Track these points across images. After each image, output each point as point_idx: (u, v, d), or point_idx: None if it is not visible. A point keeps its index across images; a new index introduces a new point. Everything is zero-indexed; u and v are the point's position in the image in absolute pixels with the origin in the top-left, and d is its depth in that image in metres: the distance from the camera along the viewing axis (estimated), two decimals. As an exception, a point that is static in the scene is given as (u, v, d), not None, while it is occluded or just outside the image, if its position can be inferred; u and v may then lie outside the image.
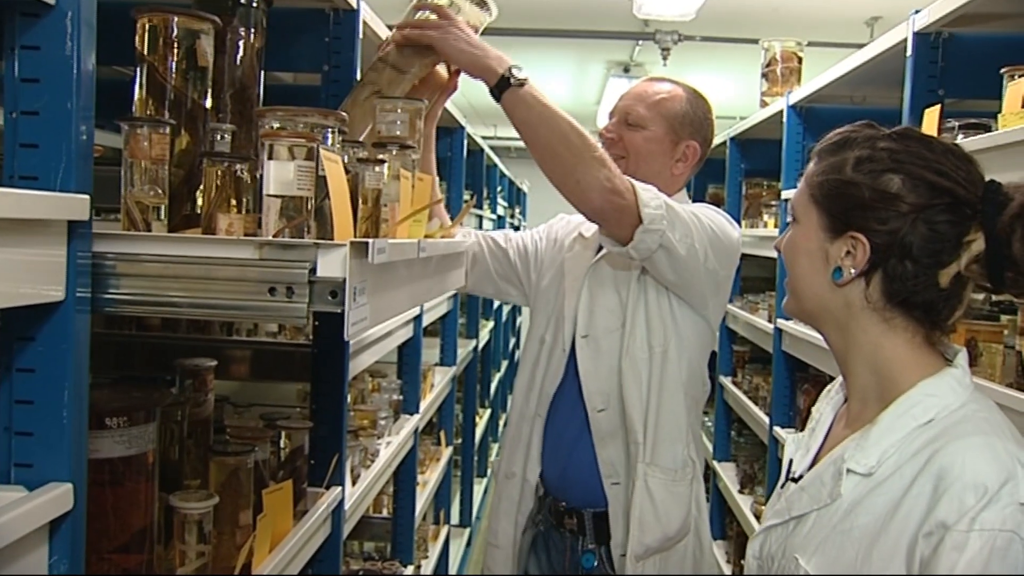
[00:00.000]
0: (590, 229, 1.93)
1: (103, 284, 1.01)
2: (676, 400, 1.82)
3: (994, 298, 1.84)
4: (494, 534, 1.96)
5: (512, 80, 1.60)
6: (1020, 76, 1.62)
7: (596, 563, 1.82)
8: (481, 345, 5.43)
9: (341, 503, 1.85)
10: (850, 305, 1.09)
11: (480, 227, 4.91)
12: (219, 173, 1.14)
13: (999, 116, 1.61)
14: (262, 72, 1.47)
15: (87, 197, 0.92)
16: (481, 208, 4.95)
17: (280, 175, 1.06)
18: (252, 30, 1.43)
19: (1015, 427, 1.03)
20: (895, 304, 1.06)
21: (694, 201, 1.93)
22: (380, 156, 1.37)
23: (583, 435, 1.84)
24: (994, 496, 0.92)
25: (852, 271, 1.07)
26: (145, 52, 1.17)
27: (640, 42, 5.10)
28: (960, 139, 1.73)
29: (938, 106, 1.84)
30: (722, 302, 1.88)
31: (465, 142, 3.95)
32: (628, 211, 1.61)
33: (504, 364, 7.45)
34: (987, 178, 1.05)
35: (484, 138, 5.43)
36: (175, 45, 1.17)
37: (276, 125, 1.15)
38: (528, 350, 1.98)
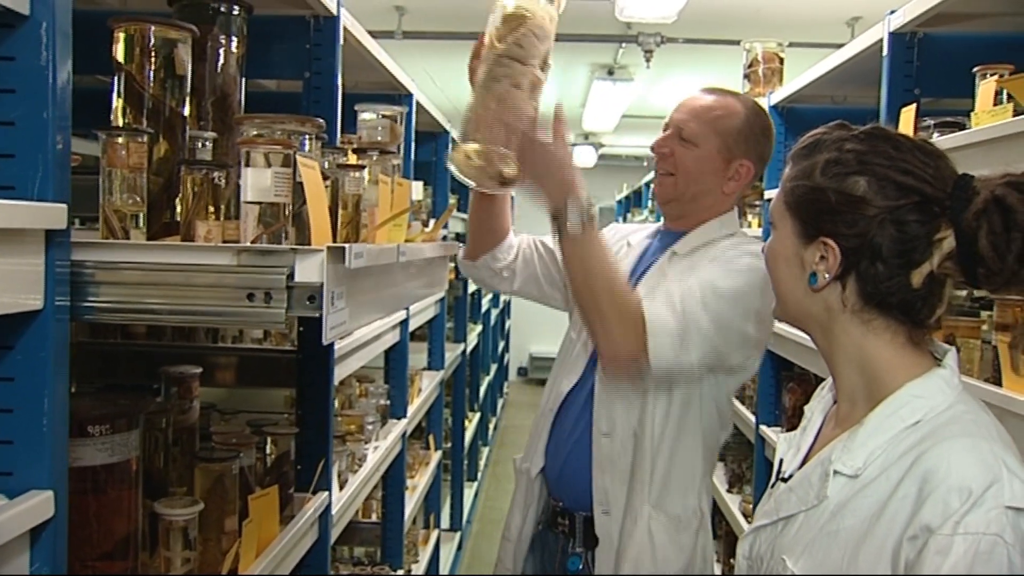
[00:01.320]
0: (637, 238, 1.93)
1: (82, 292, 1.01)
2: (694, 447, 1.77)
3: (975, 294, 1.85)
4: (508, 527, 1.94)
5: (563, 221, 1.58)
6: (992, 75, 1.64)
7: (581, 567, 1.80)
8: (469, 349, 5.44)
9: (328, 508, 1.85)
10: (830, 309, 1.08)
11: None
12: (197, 180, 1.15)
13: (972, 114, 1.64)
14: (243, 80, 1.47)
15: (64, 206, 0.93)
16: (467, 212, 4.95)
17: (257, 182, 1.07)
18: (233, 38, 1.44)
19: (1001, 426, 1.02)
20: (872, 306, 1.05)
21: None
22: (360, 162, 1.38)
23: (584, 437, 1.81)
24: (978, 499, 0.91)
25: (826, 276, 1.06)
26: (123, 61, 1.18)
27: (623, 45, 5.12)
28: (936, 137, 1.75)
29: (914, 105, 1.86)
30: (762, 351, 1.81)
31: (450, 147, 3.95)
32: (636, 364, 1.61)
33: (493, 368, 7.46)
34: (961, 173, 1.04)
35: (470, 142, 5.44)
36: (152, 54, 1.18)
37: (254, 132, 1.16)
38: (562, 347, 1.96)
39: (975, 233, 0.98)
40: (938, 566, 0.90)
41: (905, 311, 1.05)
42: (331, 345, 1.89)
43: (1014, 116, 1.45)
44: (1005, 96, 1.57)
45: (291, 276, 1.00)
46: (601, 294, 1.58)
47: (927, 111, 1.94)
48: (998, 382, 1.49)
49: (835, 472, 1.03)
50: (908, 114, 1.85)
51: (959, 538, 0.90)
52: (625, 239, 1.97)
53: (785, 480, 1.14)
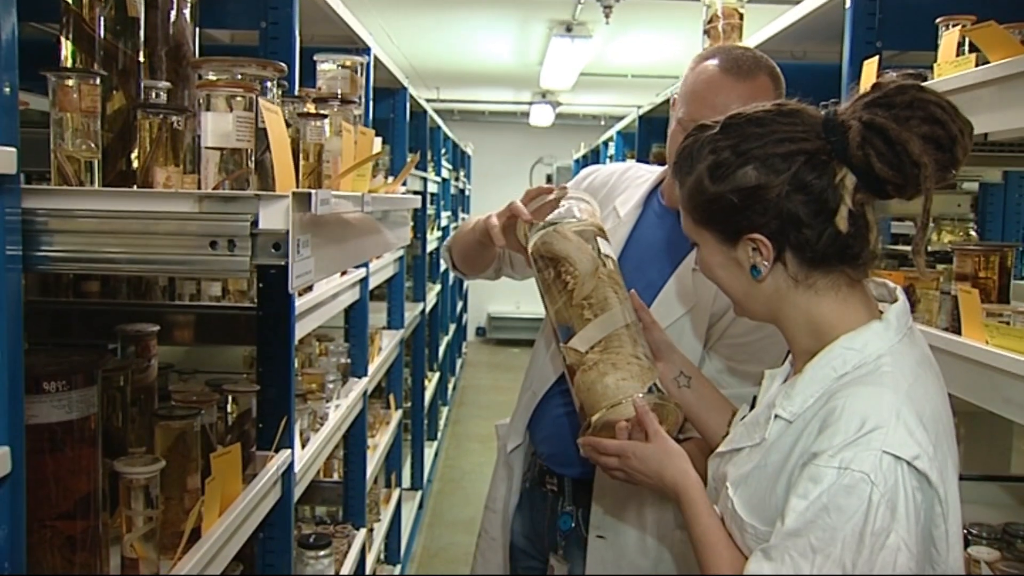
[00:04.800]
0: (627, 206, 1.78)
1: (35, 242, 0.97)
2: None
3: (930, 248, 1.86)
4: (491, 498, 1.92)
5: None
6: (954, 26, 1.64)
7: (573, 525, 1.76)
8: (428, 308, 5.42)
9: (291, 465, 1.83)
10: (778, 289, 1.12)
11: (425, 189, 4.88)
12: (155, 125, 1.10)
13: (935, 65, 1.64)
14: (197, 29, 1.42)
15: (13, 149, 0.88)
16: (425, 170, 4.91)
17: (218, 127, 1.04)
18: (185, -15, 1.39)
19: (932, 384, 1.06)
20: (816, 269, 1.09)
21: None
22: (322, 111, 1.34)
23: (575, 421, 1.67)
24: (860, 438, 0.97)
25: (766, 265, 1.10)
26: (71, 2, 1.12)
27: (582, 1, 5.07)
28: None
29: (876, 58, 1.86)
30: None
31: (408, 104, 3.90)
32: None
33: (452, 327, 7.45)
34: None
35: (427, 100, 5.38)
36: (102, -6, 1.13)
37: (213, 76, 1.11)
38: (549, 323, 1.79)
39: (868, 162, 1.03)
40: (806, 491, 0.97)
41: (844, 257, 1.09)
42: (292, 301, 1.85)
43: (976, 67, 1.46)
44: (968, 46, 1.58)
45: (255, 223, 0.97)
46: None
47: (889, 64, 1.94)
48: (958, 331, 1.51)
49: (775, 416, 1.10)
50: (870, 67, 1.84)
51: (832, 470, 0.96)
52: (612, 206, 1.80)
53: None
